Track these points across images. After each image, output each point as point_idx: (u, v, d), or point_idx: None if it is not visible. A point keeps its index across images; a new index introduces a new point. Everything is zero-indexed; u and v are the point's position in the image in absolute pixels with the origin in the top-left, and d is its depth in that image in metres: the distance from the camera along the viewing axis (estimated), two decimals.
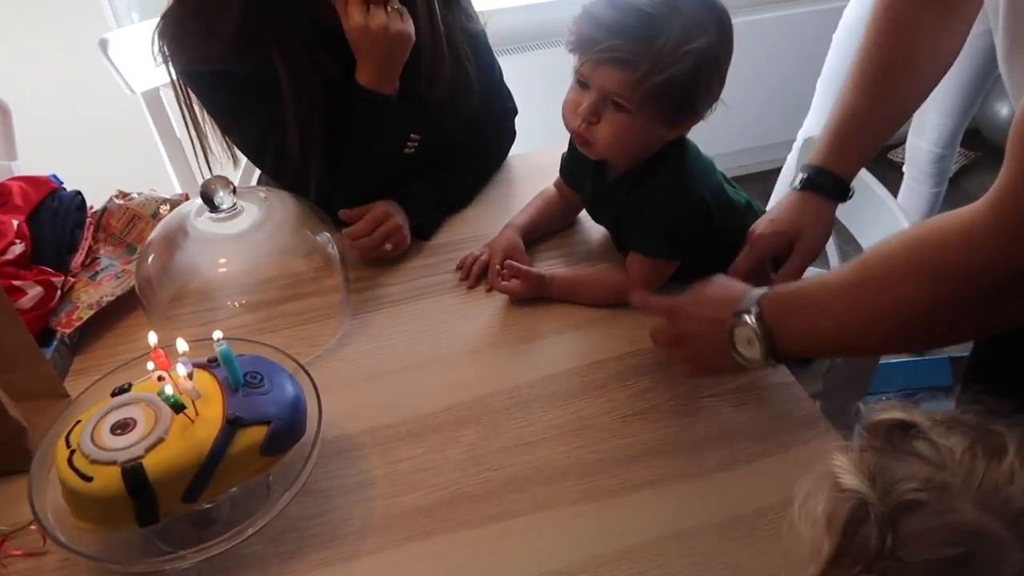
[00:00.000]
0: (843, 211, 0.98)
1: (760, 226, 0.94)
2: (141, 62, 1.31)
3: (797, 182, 0.94)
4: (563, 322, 0.98)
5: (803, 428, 0.83)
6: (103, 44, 1.29)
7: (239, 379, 0.72)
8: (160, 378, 0.68)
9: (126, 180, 1.14)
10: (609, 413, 0.86)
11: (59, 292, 1.00)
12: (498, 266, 1.00)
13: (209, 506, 0.72)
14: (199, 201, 0.88)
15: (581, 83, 0.87)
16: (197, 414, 0.68)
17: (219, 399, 0.70)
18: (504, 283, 0.98)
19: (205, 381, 0.72)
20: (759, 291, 0.75)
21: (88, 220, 1.10)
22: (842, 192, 0.93)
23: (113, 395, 0.71)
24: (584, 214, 1.12)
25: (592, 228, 1.12)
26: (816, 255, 0.94)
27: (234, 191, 0.87)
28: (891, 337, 0.70)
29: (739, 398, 0.87)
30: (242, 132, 1.07)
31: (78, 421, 0.69)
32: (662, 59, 0.81)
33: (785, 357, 0.75)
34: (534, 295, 0.99)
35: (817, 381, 1.10)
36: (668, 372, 0.89)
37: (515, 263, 0.98)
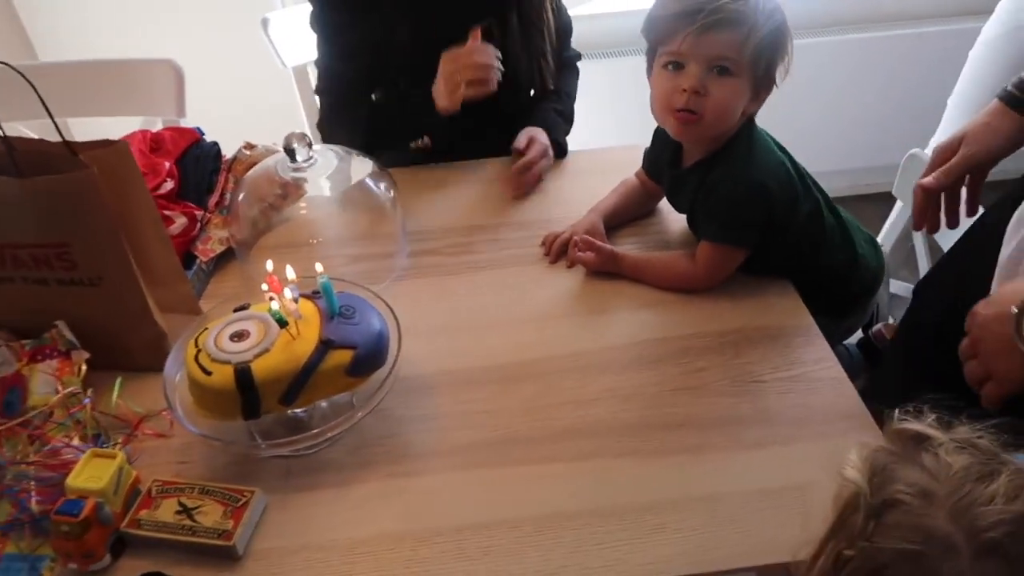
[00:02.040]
0: None
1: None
2: (295, 40, 1.48)
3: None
4: (632, 301, 1.05)
5: (844, 420, 0.87)
6: (264, 23, 1.47)
7: (335, 309, 0.84)
8: (270, 298, 0.81)
9: (267, 140, 1.29)
10: (659, 384, 0.93)
11: (199, 224, 1.16)
12: (576, 242, 1.09)
13: (301, 414, 0.85)
14: (282, 153, 1.01)
15: (674, 65, 0.94)
16: (298, 333, 0.81)
17: (317, 324, 0.83)
18: (580, 254, 1.07)
19: (308, 308, 0.86)
20: None
21: (223, 167, 1.27)
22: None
23: (235, 311, 0.86)
24: (664, 204, 1.20)
25: (669, 218, 1.20)
26: (973, 163, 0.92)
27: (310, 145, 1.00)
28: None
29: (787, 386, 0.92)
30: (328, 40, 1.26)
31: (205, 328, 0.84)
32: (760, 15, 0.89)
33: None
34: (606, 269, 1.08)
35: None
36: (725, 358, 0.96)
37: (590, 238, 1.07)
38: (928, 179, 0.95)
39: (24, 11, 1.97)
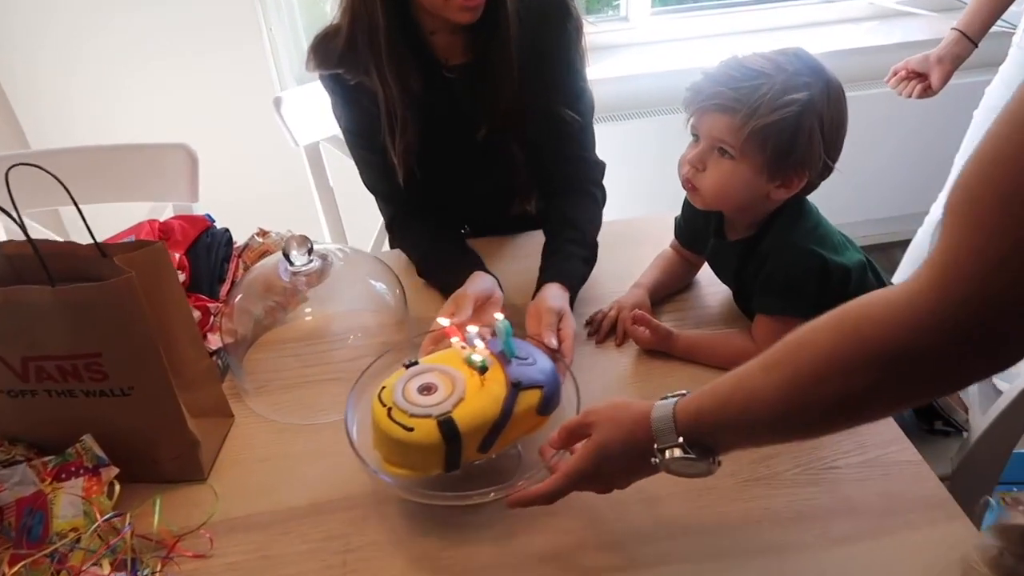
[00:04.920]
0: None
1: None
2: (307, 119, 1.45)
3: None
4: (687, 382, 0.99)
5: (930, 509, 0.85)
6: (277, 102, 1.44)
7: (513, 351, 0.84)
8: (463, 347, 0.83)
9: (280, 225, 1.25)
10: (732, 476, 0.89)
11: (212, 317, 1.10)
12: (628, 317, 1.07)
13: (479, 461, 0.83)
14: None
15: (694, 136, 0.97)
16: (483, 380, 0.82)
17: (499, 368, 0.84)
18: (635, 327, 1.05)
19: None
20: (665, 419, 0.69)
21: (234, 254, 1.22)
22: None
23: (405, 367, 0.85)
24: (701, 275, 1.19)
25: (708, 291, 1.19)
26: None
27: (310, 251, 0.99)
28: (831, 425, 0.64)
29: (864, 472, 0.89)
30: (353, 135, 1.23)
31: (383, 387, 0.83)
32: (763, 105, 0.89)
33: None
34: (660, 348, 1.06)
35: (945, 463, 1.07)
36: (791, 443, 0.90)
37: (645, 314, 1.06)
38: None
39: (15, 99, 1.92)
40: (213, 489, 0.91)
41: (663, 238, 1.21)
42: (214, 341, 1.07)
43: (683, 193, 1.05)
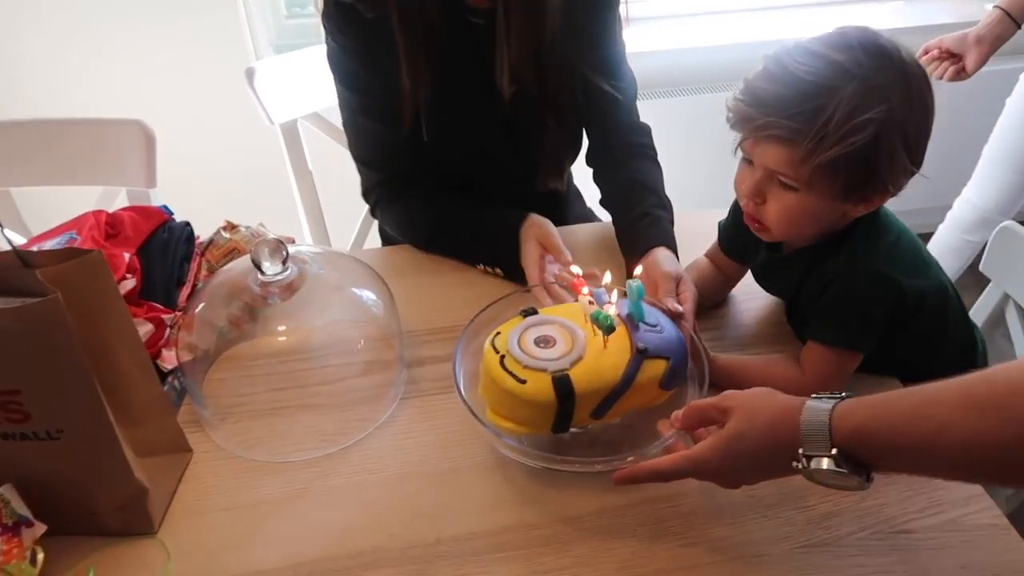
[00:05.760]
0: None
1: None
2: (283, 93, 1.28)
3: None
4: None
5: None
6: (249, 73, 1.27)
7: (642, 315, 0.77)
8: (590, 302, 0.76)
9: (251, 215, 1.08)
10: (786, 540, 0.76)
11: (168, 329, 0.95)
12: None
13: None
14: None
15: (747, 160, 0.82)
16: (607, 342, 0.75)
17: (624, 331, 0.77)
18: None
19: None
20: (818, 424, 0.62)
21: (196, 252, 1.06)
22: None
23: (523, 315, 0.79)
24: (743, 287, 1.04)
25: (743, 307, 1.05)
26: None
27: (285, 259, 0.84)
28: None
29: (941, 538, 0.77)
30: (352, 90, 1.08)
31: (497, 332, 0.77)
32: (830, 133, 0.73)
33: None
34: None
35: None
36: (854, 498, 0.79)
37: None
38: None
39: None
40: (164, 545, 0.75)
41: (699, 238, 1.05)
42: (170, 359, 0.90)
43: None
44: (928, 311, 0.86)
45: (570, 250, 1.01)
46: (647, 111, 1.19)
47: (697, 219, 1.09)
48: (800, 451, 0.62)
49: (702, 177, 1.51)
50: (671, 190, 1.10)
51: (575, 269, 0.83)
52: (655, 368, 0.76)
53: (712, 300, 1.03)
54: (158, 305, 0.93)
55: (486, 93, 1.06)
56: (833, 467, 0.61)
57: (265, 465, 0.84)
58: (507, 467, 0.83)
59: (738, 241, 0.97)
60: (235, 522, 0.78)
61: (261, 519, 0.78)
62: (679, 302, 0.89)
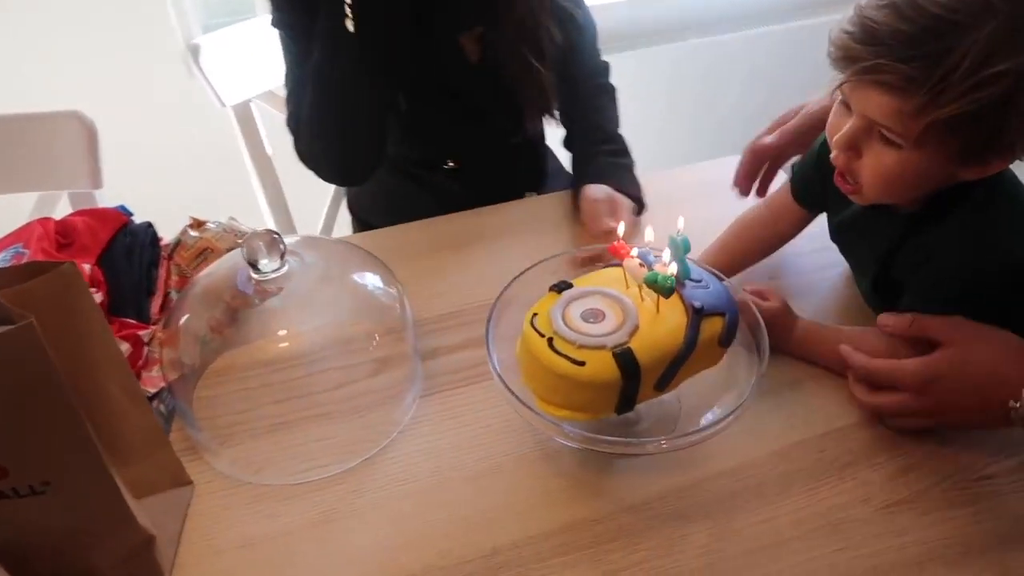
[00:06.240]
0: None
1: None
2: (233, 71, 1.15)
3: None
4: (780, 379, 0.80)
5: None
6: (194, 51, 1.13)
7: (688, 272, 0.71)
8: (640, 264, 0.68)
9: (209, 209, 0.97)
10: (866, 502, 0.71)
11: (146, 348, 0.84)
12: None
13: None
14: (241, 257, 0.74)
15: (845, 103, 0.70)
16: (659, 307, 0.68)
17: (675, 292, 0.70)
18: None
19: None
20: None
21: (162, 256, 0.94)
22: None
23: (556, 290, 0.71)
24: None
25: (819, 276, 0.95)
26: (814, 120, 0.92)
27: (282, 253, 0.73)
28: None
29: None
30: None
31: (535, 313, 0.70)
32: (952, 85, 0.60)
33: None
34: (770, 328, 0.75)
35: None
36: (925, 444, 0.75)
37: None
38: (769, 137, 0.95)
39: None
40: None
41: (720, 194, 0.99)
42: (151, 381, 0.79)
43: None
44: None
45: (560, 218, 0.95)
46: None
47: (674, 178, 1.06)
48: None
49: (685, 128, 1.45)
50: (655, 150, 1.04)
51: (620, 228, 0.74)
52: (713, 326, 0.69)
53: (761, 257, 0.93)
54: (131, 320, 0.81)
55: (449, 31, 1.01)
56: None
57: (280, 489, 0.74)
58: (554, 459, 0.75)
59: (818, 186, 0.83)
60: (257, 559, 0.68)
61: (287, 552, 0.68)
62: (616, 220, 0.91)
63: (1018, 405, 0.60)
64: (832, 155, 0.72)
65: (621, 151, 1.11)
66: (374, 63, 0.96)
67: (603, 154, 1.09)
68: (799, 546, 0.67)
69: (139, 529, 0.63)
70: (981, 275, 0.71)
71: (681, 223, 0.71)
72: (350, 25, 0.93)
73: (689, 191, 1.11)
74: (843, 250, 0.89)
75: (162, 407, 0.80)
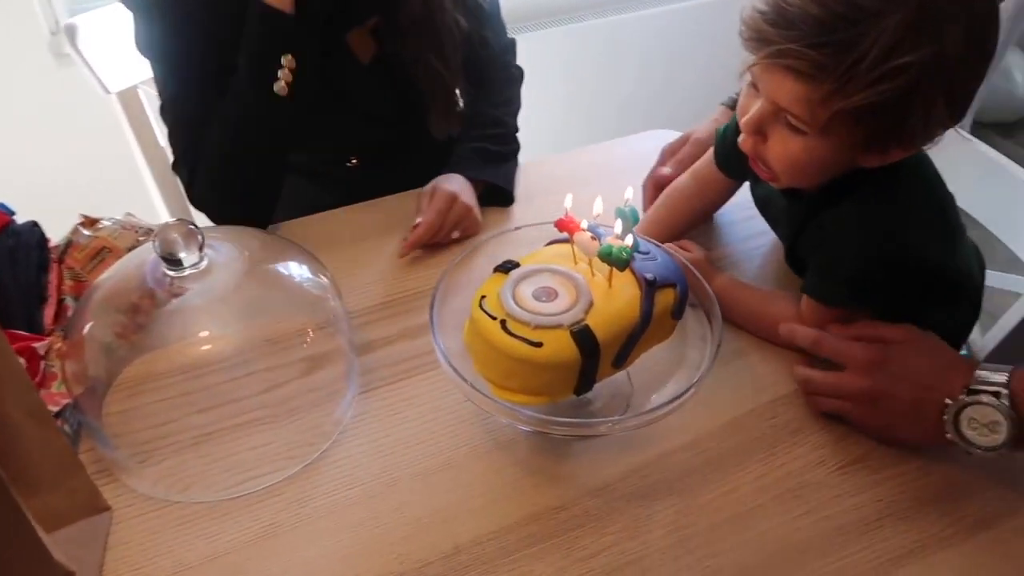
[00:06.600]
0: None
1: None
2: (115, 55, 1.05)
3: None
4: (725, 349, 0.80)
5: None
6: (70, 31, 1.01)
7: (637, 245, 0.67)
8: (593, 237, 0.66)
9: (102, 206, 0.88)
10: (821, 464, 0.72)
11: (43, 362, 0.75)
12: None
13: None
14: (153, 253, 0.67)
15: (754, 84, 0.70)
16: (611, 282, 0.66)
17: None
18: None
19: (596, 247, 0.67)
20: (998, 374, 0.63)
21: (52, 259, 0.85)
22: None
23: (502, 271, 0.67)
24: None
25: (753, 244, 0.96)
26: (703, 150, 0.93)
27: (201, 245, 0.67)
28: None
29: None
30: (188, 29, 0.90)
31: (483, 295, 0.66)
32: (861, 72, 0.60)
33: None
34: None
35: None
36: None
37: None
38: (665, 168, 0.97)
39: None
40: None
41: (627, 172, 0.98)
42: (51, 399, 0.70)
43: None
44: (949, 289, 0.78)
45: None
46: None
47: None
48: (961, 397, 0.62)
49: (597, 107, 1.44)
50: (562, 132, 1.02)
51: (568, 201, 0.70)
52: (665, 298, 0.67)
53: (691, 227, 0.93)
54: (22, 332, 0.72)
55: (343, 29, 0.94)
56: (999, 444, 0.61)
57: (214, 507, 0.67)
58: (508, 448, 0.72)
59: (740, 155, 0.79)
60: None
61: (230, 575, 0.62)
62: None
63: (951, 403, 0.62)
64: (740, 139, 0.72)
65: (501, 136, 1.06)
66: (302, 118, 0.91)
67: (476, 139, 1.04)
68: (764, 514, 0.66)
69: (55, 566, 0.55)
70: (868, 262, 0.73)
71: (629, 193, 0.69)
72: (280, 90, 0.86)
73: (625, 162, 1.10)
74: (767, 222, 0.91)
75: (66, 427, 0.71)
